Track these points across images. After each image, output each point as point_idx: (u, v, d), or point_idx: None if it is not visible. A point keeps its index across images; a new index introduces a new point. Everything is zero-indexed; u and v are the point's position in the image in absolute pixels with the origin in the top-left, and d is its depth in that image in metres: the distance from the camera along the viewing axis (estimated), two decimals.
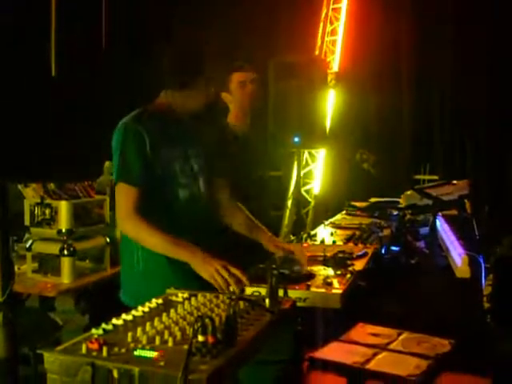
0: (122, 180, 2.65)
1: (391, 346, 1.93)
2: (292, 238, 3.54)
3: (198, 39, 2.87)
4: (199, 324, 1.33)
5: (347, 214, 4.58)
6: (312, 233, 3.59)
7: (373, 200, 5.15)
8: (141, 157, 2.65)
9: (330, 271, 2.52)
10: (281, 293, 1.83)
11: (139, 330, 1.46)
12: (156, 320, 1.53)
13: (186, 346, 1.29)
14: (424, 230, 3.99)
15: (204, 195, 2.92)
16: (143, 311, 1.66)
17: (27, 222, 4.28)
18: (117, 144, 2.69)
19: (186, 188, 2.83)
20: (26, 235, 4.50)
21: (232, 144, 3.64)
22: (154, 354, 1.32)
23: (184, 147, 2.87)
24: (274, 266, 2.41)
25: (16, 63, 2.19)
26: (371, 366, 1.76)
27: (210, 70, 2.83)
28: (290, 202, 8.24)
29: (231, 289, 2.28)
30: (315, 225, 4.10)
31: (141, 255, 2.74)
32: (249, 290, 2.18)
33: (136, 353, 1.34)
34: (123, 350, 1.35)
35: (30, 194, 4.31)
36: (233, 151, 3.56)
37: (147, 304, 1.71)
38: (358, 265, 2.65)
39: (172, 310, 1.62)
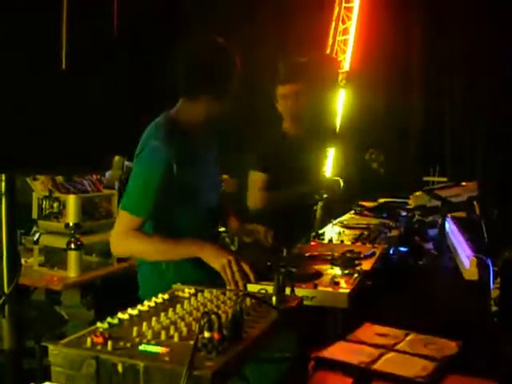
0: (129, 210, 2.60)
1: (398, 347, 1.92)
2: None
3: (215, 50, 2.73)
4: (205, 320, 1.32)
5: (355, 213, 4.57)
6: (320, 232, 3.58)
7: (381, 200, 5.13)
8: (161, 188, 2.59)
9: (337, 270, 2.51)
10: (288, 291, 1.82)
11: (145, 324, 1.45)
12: (162, 315, 1.52)
13: (191, 342, 1.28)
14: (432, 232, 3.97)
15: (217, 206, 2.98)
16: (149, 306, 1.65)
17: (35, 215, 4.29)
18: (141, 168, 2.64)
19: (207, 202, 2.87)
20: (34, 228, 4.51)
21: (283, 145, 4.15)
22: (159, 349, 1.31)
23: (206, 160, 2.88)
24: (281, 264, 2.40)
25: (26, 56, 2.19)
26: (378, 366, 1.75)
27: (228, 79, 2.75)
28: None
29: (238, 284, 2.32)
30: (323, 224, 4.08)
31: (171, 262, 2.71)
32: (255, 288, 2.18)
33: (141, 347, 1.33)
34: (128, 345, 1.35)
35: (39, 187, 4.32)
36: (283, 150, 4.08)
37: (153, 299, 1.70)
38: (366, 265, 2.63)
39: (178, 306, 1.61)
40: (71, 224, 4.12)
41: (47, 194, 4.21)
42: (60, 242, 4.17)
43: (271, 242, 3.06)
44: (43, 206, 4.24)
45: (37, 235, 4.28)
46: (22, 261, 3.94)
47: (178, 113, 2.79)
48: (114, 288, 4.46)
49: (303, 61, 5.55)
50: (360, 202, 4.92)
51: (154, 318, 1.49)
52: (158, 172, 2.58)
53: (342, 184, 4.43)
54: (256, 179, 4.09)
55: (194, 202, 2.77)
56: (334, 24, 9.25)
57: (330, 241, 3.28)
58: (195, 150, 2.78)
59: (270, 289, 1.78)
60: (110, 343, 1.33)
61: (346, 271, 2.46)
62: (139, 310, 1.61)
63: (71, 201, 4.13)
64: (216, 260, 2.44)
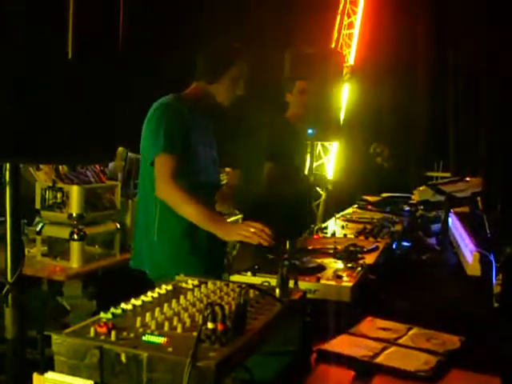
0: (165, 150, 2.85)
1: (400, 341, 1.91)
2: None
3: (230, 44, 3.19)
4: (209, 311, 1.32)
5: (359, 207, 4.57)
6: (323, 225, 3.58)
7: (385, 195, 5.13)
8: (181, 131, 2.91)
9: (340, 264, 2.51)
10: (291, 284, 1.82)
11: (148, 315, 1.45)
12: (165, 306, 1.52)
13: (195, 333, 1.28)
14: (436, 227, 3.98)
15: (217, 182, 3.27)
16: (152, 297, 1.65)
17: (38, 205, 4.28)
18: (159, 120, 2.92)
19: (205, 172, 3.10)
20: (37, 218, 4.50)
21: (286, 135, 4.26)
22: (162, 340, 1.31)
23: (208, 136, 3.18)
24: (285, 257, 2.40)
25: (32, 44, 2.18)
26: (380, 360, 1.75)
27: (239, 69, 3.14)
28: None
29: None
30: (326, 218, 4.09)
31: (157, 228, 2.97)
32: (258, 280, 2.18)
33: (144, 338, 1.33)
34: (132, 335, 1.35)
35: (42, 177, 4.32)
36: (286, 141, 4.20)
37: (157, 290, 1.71)
38: (369, 259, 2.64)
39: (181, 297, 1.61)
40: (74, 215, 4.12)
41: (51, 184, 4.21)
42: (63, 233, 4.17)
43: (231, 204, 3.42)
44: (46, 196, 4.23)
45: (40, 225, 4.28)
46: (25, 251, 3.93)
47: (190, 91, 3.16)
48: (116, 279, 4.46)
49: (308, 53, 5.55)
50: (363, 196, 4.92)
51: (157, 309, 1.49)
52: (174, 116, 2.93)
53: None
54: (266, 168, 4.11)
55: (194, 166, 3.03)
56: (339, 18, 9.22)
57: (333, 234, 3.29)
58: (201, 121, 3.13)
59: (274, 281, 1.78)
60: (113, 333, 1.33)
61: (349, 265, 2.46)
62: (143, 301, 1.61)
63: (74, 191, 4.13)
64: (232, 237, 2.77)
